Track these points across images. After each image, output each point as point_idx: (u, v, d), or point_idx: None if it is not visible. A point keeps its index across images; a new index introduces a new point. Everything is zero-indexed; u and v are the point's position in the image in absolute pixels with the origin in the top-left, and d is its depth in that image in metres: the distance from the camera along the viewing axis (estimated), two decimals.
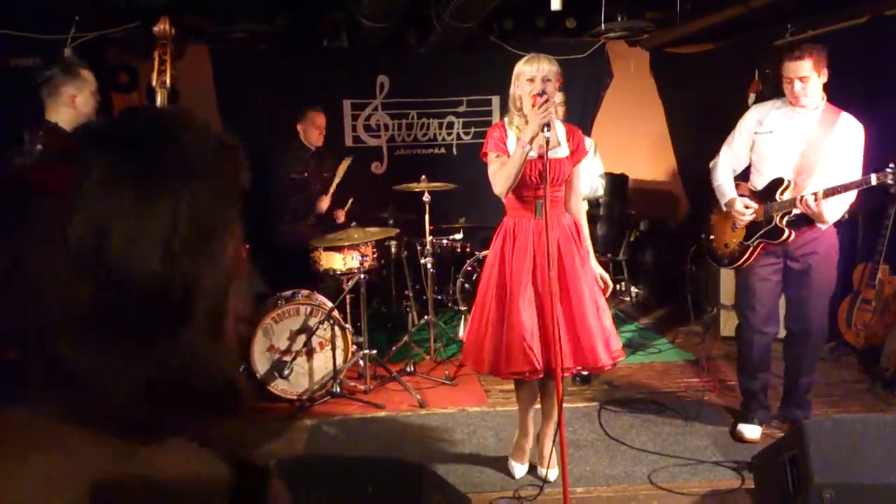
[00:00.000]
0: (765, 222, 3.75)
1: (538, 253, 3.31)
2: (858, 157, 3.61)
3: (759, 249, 3.79)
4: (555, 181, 3.29)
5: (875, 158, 3.70)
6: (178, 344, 0.71)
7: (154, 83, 3.37)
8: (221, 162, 0.79)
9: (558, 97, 4.22)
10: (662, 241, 7.19)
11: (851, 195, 3.57)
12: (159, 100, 3.36)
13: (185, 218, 0.71)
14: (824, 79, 3.60)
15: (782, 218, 3.68)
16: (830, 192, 3.49)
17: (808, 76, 3.55)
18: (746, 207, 3.79)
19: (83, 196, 0.69)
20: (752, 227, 3.81)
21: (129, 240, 0.68)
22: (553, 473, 3.53)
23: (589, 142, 5.17)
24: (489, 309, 3.42)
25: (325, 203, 5.58)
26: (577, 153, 3.42)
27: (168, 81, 3.37)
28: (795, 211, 3.63)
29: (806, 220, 3.65)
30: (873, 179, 3.40)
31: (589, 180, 5.26)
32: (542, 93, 3.18)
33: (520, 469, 3.62)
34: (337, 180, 5.69)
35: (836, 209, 3.60)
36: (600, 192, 5.75)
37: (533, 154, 3.22)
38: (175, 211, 0.71)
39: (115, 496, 0.67)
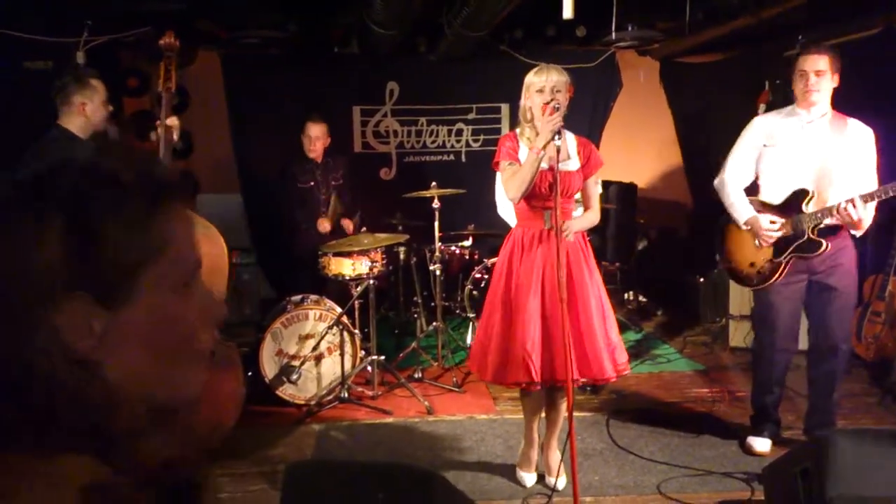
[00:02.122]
0: (795, 236, 3.65)
1: (547, 262, 3.32)
2: (873, 162, 3.59)
3: (790, 265, 3.71)
4: (564, 193, 3.29)
5: (888, 168, 3.69)
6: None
7: (160, 89, 3.57)
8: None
9: None
10: (671, 250, 7.19)
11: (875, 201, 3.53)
12: (164, 103, 3.54)
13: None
14: (835, 84, 3.59)
15: (814, 229, 3.62)
16: (868, 198, 3.46)
17: (823, 71, 3.54)
18: (772, 223, 3.69)
19: None
20: (780, 243, 3.70)
21: None
22: (561, 482, 3.52)
23: None
24: (495, 316, 3.43)
25: (326, 225, 5.55)
26: (588, 166, 3.42)
27: (173, 87, 3.58)
28: (827, 221, 3.57)
29: (831, 232, 3.60)
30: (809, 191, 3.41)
31: None
32: (551, 101, 3.20)
33: (529, 478, 3.61)
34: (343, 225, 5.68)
35: (870, 216, 3.56)
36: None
37: (544, 165, 3.23)
38: None
39: None
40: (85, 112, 3.55)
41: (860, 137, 3.59)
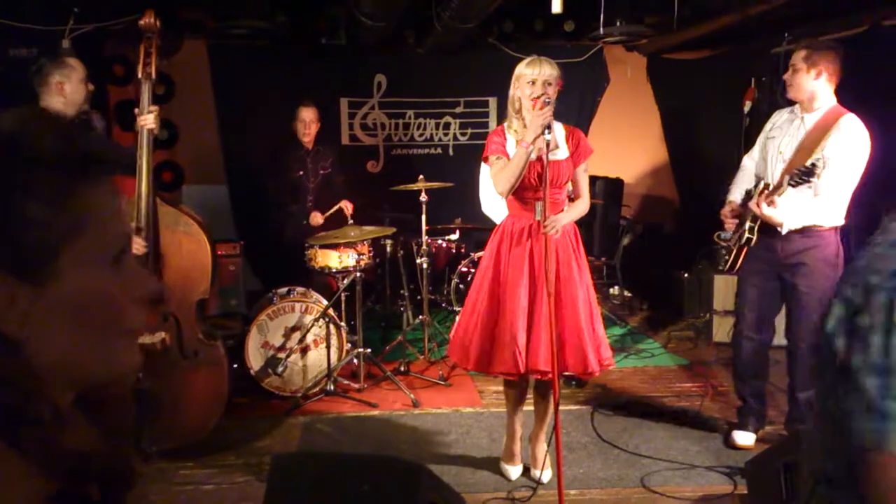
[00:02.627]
0: (739, 227, 3.75)
1: (535, 255, 3.32)
2: (847, 161, 3.45)
3: (742, 254, 3.77)
4: (554, 183, 3.29)
5: (877, 166, 3.69)
6: None
7: (140, 75, 3.50)
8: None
9: None
10: (657, 245, 7.22)
11: (819, 201, 3.50)
12: (145, 91, 3.48)
13: None
14: (820, 79, 3.54)
15: (754, 221, 3.65)
16: (770, 194, 3.49)
17: (796, 66, 3.57)
18: (730, 210, 3.81)
19: None
20: (736, 231, 3.81)
21: None
22: (546, 475, 3.54)
23: None
24: (481, 305, 3.43)
25: (318, 219, 5.52)
26: (577, 154, 3.42)
27: (153, 73, 3.50)
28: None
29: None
30: (761, 183, 3.46)
31: None
32: (542, 95, 3.20)
33: (514, 471, 3.62)
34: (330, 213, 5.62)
35: (794, 214, 3.51)
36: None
37: (533, 156, 3.23)
38: None
39: None
40: (63, 91, 3.45)
41: (843, 133, 3.49)
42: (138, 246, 3.38)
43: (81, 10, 5.34)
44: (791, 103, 3.79)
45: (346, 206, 5.49)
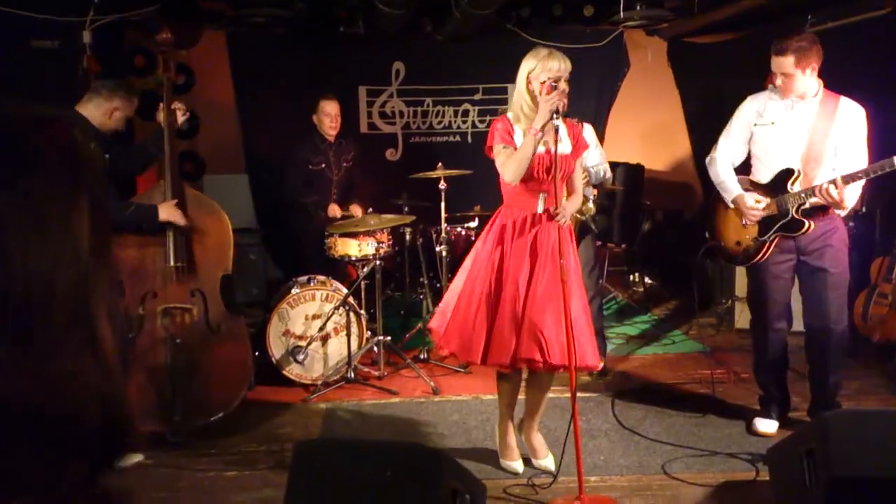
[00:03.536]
0: (780, 215, 3.66)
1: (538, 245, 3.31)
2: (863, 141, 3.57)
3: (774, 244, 3.73)
4: (561, 176, 3.28)
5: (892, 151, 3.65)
6: (25, 357, 0.60)
7: (160, 76, 3.95)
8: (41, 145, 0.69)
9: None
10: (677, 231, 7.17)
11: (862, 181, 3.52)
12: (166, 90, 3.89)
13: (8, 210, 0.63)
14: (814, 73, 3.55)
15: (798, 209, 3.61)
16: (850, 179, 3.44)
17: (790, 74, 3.53)
18: (757, 202, 3.72)
19: None
20: (765, 222, 3.72)
21: None
22: (549, 461, 3.53)
23: (589, 129, 5.04)
24: (482, 295, 3.35)
25: (336, 211, 5.51)
26: (577, 148, 3.42)
27: (173, 75, 3.98)
28: (812, 200, 3.56)
29: (817, 210, 3.60)
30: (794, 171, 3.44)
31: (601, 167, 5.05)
32: (547, 80, 3.19)
33: (519, 465, 3.57)
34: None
35: (854, 195, 3.56)
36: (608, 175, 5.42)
37: (540, 149, 3.21)
38: None
39: None
40: (111, 115, 3.73)
41: (850, 116, 3.57)
42: (184, 220, 3.73)
43: (101, 1, 5.37)
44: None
45: (357, 211, 5.48)
